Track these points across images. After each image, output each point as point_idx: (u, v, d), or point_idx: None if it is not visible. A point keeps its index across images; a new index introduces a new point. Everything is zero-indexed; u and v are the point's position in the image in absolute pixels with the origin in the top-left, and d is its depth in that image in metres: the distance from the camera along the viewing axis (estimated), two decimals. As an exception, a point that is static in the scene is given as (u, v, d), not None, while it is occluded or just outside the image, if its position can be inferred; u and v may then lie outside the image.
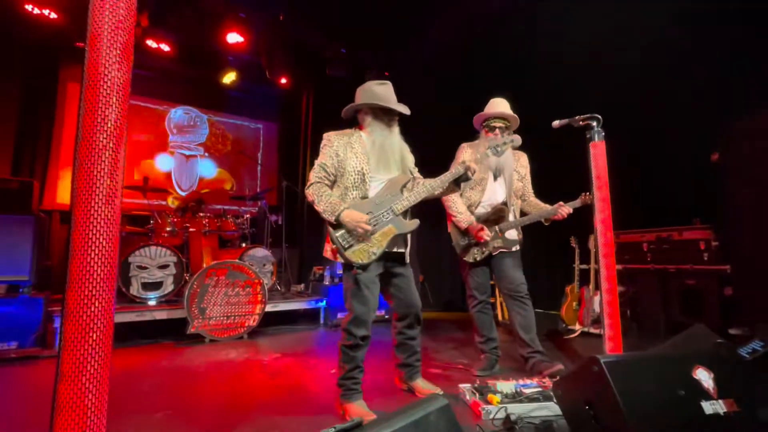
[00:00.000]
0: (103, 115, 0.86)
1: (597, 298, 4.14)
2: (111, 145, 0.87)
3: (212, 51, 5.84)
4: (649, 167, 4.43)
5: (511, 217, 2.76)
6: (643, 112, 4.26)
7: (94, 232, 0.84)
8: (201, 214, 4.50)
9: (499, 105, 2.77)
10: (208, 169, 6.41)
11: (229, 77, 6.14)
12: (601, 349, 3.48)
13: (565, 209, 2.62)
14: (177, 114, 6.22)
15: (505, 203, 2.77)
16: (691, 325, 3.62)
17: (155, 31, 5.34)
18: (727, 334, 3.37)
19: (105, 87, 0.89)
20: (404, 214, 2.12)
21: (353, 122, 2.38)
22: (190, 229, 4.41)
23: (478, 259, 2.78)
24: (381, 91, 2.18)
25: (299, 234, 6.05)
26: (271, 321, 4.24)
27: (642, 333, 4.03)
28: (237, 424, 1.92)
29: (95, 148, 0.86)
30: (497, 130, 2.71)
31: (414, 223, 2.12)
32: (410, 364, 2.32)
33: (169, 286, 3.96)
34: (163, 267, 3.96)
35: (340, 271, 4.81)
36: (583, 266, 4.30)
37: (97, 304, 0.85)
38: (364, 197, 2.11)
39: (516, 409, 1.85)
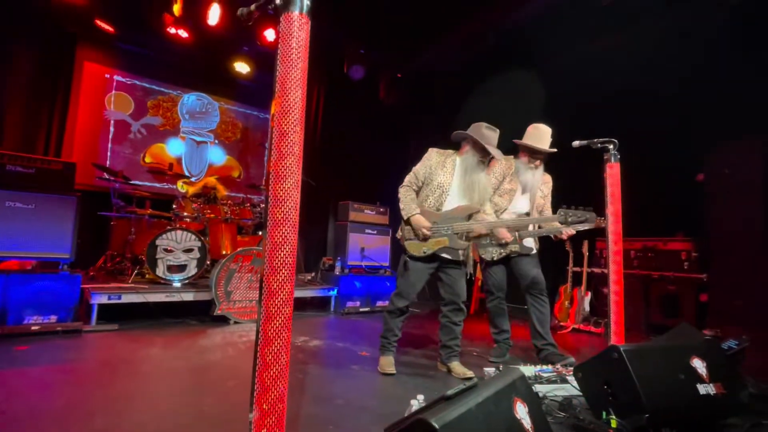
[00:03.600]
0: (291, 142, 1.12)
1: (587, 299, 4.57)
2: (295, 166, 1.13)
3: (228, 40, 5.95)
4: (639, 184, 4.87)
5: (531, 228, 3.09)
6: (634, 134, 4.67)
7: (286, 233, 1.11)
8: (222, 202, 4.68)
9: (546, 139, 3.02)
10: (217, 155, 6.52)
11: (243, 67, 6.26)
12: (592, 344, 3.91)
13: (568, 231, 2.87)
14: (190, 99, 6.29)
15: (528, 214, 3.10)
16: (669, 325, 4.10)
17: (177, 17, 5.41)
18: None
19: (292, 117, 1.14)
20: (460, 234, 2.57)
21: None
22: (210, 216, 4.58)
23: (495, 258, 3.11)
24: (488, 135, 2.58)
25: (306, 225, 6.27)
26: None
27: (625, 332, 4.47)
28: (310, 394, 2.19)
29: (284, 170, 1.12)
30: (538, 161, 3.04)
31: (464, 245, 2.60)
32: (449, 346, 2.68)
33: (192, 270, 4.14)
34: (188, 251, 4.13)
35: (350, 263, 5.09)
36: (576, 269, 4.71)
37: (289, 286, 1.12)
38: (438, 209, 2.61)
39: (540, 389, 2.19)
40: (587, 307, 4.54)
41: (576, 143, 2.82)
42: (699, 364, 1.97)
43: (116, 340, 3.09)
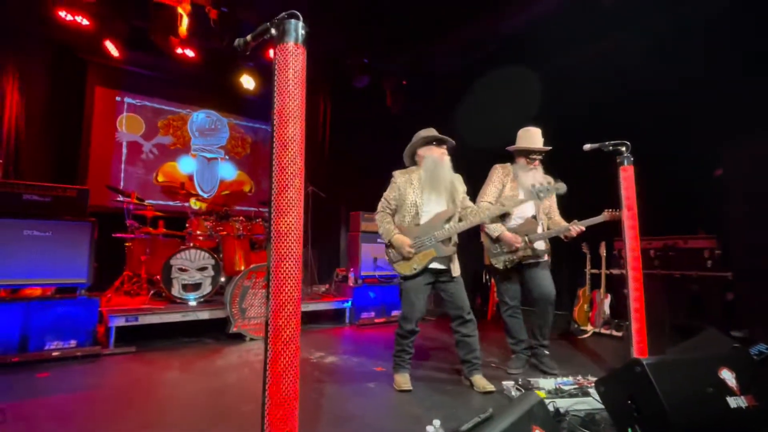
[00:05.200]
0: (292, 174, 1.10)
1: (607, 301, 4.45)
2: (296, 197, 1.11)
3: (234, 56, 6.02)
4: (655, 180, 4.75)
5: (539, 230, 3.03)
6: (647, 131, 4.57)
7: (290, 247, 1.10)
8: (234, 218, 4.71)
9: (538, 138, 3.04)
10: (228, 171, 6.59)
11: (250, 82, 6.32)
12: (614, 348, 3.81)
13: (576, 228, 2.86)
14: (199, 117, 6.39)
15: (534, 217, 3.04)
16: (694, 327, 3.96)
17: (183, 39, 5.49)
18: (728, 336, 3.70)
19: (291, 149, 1.12)
20: (445, 241, 2.58)
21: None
22: (222, 233, 4.61)
23: (508, 266, 3.06)
24: (426, 132, 2.74)
25: (319, 237, 6.27)
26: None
27: (648, 335, 4.34)
28: (328, 414, 2.17)
29: (286, 203, 1.10)
30: (536, 162, 3.02)
31: (451, 250, 2.61)
32: (468, 361, 2.65)
33: (207, 287, 4.17)
34: (202, 269, 4.17)
35: (363, 273, 5.07)
36: (594, 271, 4.60)
37: (294, 305, 1.10)
38: (417, 224, 2.64)
39: (562, 404, 2.13)
40: (607, 310, 4.42)
41: (587, 146, 2.76)
42: (728, 376, 1.88)
43: (134, 364, 3.12)
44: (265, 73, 6.39)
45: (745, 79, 3.80)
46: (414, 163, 2.84)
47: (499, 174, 3.10)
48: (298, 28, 1.18)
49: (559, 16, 4.58)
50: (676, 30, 4.28)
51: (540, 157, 3.03)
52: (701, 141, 4.19)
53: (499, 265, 3.08)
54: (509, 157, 3.19)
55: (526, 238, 2.99)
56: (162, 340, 3.78)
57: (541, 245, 3.05)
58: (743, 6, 3.78)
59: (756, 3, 3.66)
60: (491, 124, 4.74)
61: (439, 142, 2.70)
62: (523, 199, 2.77)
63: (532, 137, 3.04)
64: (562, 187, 2.66)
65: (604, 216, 2.90)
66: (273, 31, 1.22)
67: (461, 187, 2.77)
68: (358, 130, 6.87)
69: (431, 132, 2.73)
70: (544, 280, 3.02)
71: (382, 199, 2.76)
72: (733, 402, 1.81)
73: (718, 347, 2.42)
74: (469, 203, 2.77)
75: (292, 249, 1.10)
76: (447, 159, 2.68)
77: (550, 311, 3.04)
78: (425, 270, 2.60)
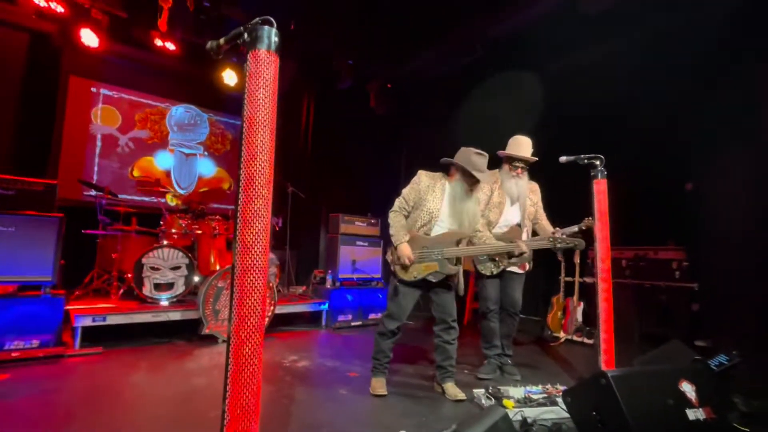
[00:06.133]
0: (260, 188, 1.08)
1: (580, 309, 4.55)
2: (264, 208, 1.09)
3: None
4: (629, 192, 4.86)
5: (524, 237, 3.06)
6: (622, 143, 4.67)
7: (255, 258, 1.07)
8: (210, 216, 4.62)
9: (525, 148, 3.08)
10: (207, 167, 6.46)
11: (232, 78, 6.20)
12: (585, 356, 3.88)
13: (557, 244, 2.87)
14: (178, 112, 6.24)
15: (519, 224, 3.09)
16: (662, 335, 4.08)
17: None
18: (692, 345, 3.82)
19: (260, 160, 1.10)
20: (450, 259, 2.57)
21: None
22: (198, 231, 4.52)
23: (494, 272, 3.10)
24: (476, 161, 2.52)
25: (297, 238, 6.21)
26: (275, 322, 4.42)
27: (618, 342, 4.45)
28: (295, 421, 2.14)
29: (252, 214, 1.08)
30: (519, 170, 3.07)
31: (455, 269, 2.59)
32: (443, 367, 2.65)
33: (180, 287, 4.08)
34: (176, 268, 4.08)
35: (341, 275, 5.04)
36: (568, 279, 4.69)
37: (257, 317, 1.08)
38: (427, 234, 2.60)
39: (529, 413, 2.16)
40: (580, 318, 4.51)
41: (563, 159, 2.81)
42: (688, 388, 1.94)
43: (99, 366, 3.03)
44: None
45: (715, 92, 3.93)
46: (446, 171, 2.75)
47: (488, 182, 3.11)
48: (271, 35, 1.16)
49: (543, 24, 4.65)
50: (651, 43, 4.40)
51: (523, 165, 3.08)
52: (673, 154, 4.31)
53: (486, 272, 3.12)
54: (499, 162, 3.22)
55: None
56: (131, 340, 3.68)
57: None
58: (715, 20, 3.89)
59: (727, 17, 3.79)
60: (477, 128, 4.77)
61: (473, 179, 2.55)
62: (539, 242, 2.89)
63: (518, 145, 3.09)
64: (581, 244, 2.74)
65: (584, 224, 2.93)
66: (246, 36, 1.20)
67: (480, 217, 2.82)
68: (342, 131, 6.83)
69: (477, 163, 2.52)
70: (515, 291, 3.14)
71: (400, 198, 2.68)
72: (692, 414, 1.87)
73: (681, 359, 2.50)
74: (481, 229, 2.80)
75: (257, 261, 1.08)
76: (475, 194, 2.67)
77: (516, 320, 3.20)
78: (423, 280, 2.60)
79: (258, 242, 1.08)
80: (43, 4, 4.85)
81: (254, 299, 1.08)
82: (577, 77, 4.85)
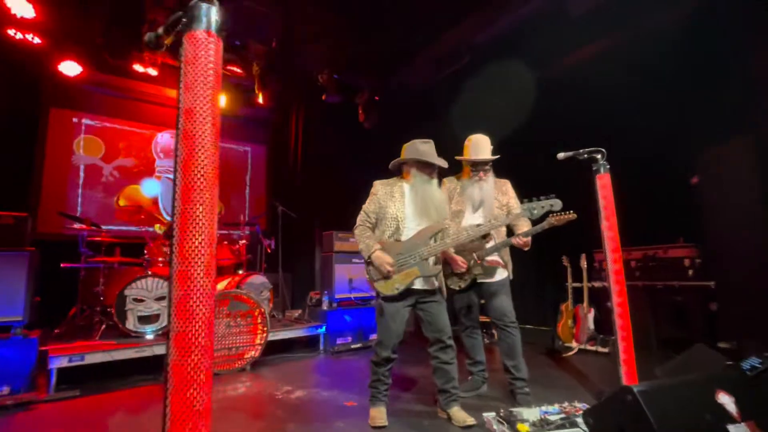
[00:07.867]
0: (200, 190, 0.88)
1: (591, 316, 4.29)
2: (206, 217, 0.89)
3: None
4: (632, 189, 4.68)
5: (491, 243, 2.79)
6: (623, 140, 4.52)
7: (196, 286, 0.86)
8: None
9: (484, 150, 2.85)
10: (195, 193, 6.29)
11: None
12: (602, 366, 3.62)
13: (517, 240, 2.67)
14: (164, 138, 6.11)
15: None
16: (681, 339, 3.82)
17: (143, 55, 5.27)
18: (716, 349, 3.56)
19: (199, 160, 0.91)
20: (430, 258, 2.39)
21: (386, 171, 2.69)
22: (185, 258, 4.30)
23: (462, 286, 2.86)
24: (424, 149, 2.48)
25: (291, 258, 5.99)
26: (269, 349, 4.17)
27: (635, 350, 4.19)
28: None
29: (193, 219, 0.88)
30: (482, 173, 2.84)
31: (436, 269, 2.43)
32: (446, 391, 2.41)
33: (166, 319, 3.83)
34: (161, 299, 3.85)
35: (338, 296, 4.80)
36: (576, 284, 4.45)
37: (200, 353, 0.87)
38: (398, 240, 2.44)
39: (547, 438, 1.91)
40: (592, 325, 4.26)
41: (561, 155, 2.62)
42: (727, 400, 1.71)
43: (74, 413, 2.76)
44: (235, 90, 6.19)
45: (722, 85, 3.78)
46: (399, 173, 2.65)
47: (446, 188, 2.94)
48: (210, 13, 0.98)
49: (532, 25, 4.55)
50: (651, 38, 4.27)
51: (485, 167, 2.85)
52: (677, 148, 4.14)
53: (454, 286, 2.88)
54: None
55: (474, 256, 2.77)
56: (113, 380, 3.41)
57: (494, 257, 2.82)
58: (717, 13, 3.78)
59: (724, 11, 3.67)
60: (465, 136, 4.64)
61: (429, 167, 2.48)
62: (497, 223, 2.57)
63: (476, 147, 2.86)
64: (557, 204, 2.48)
65: (549, 222, 2.63)
66: (184, 19, 1.02)
67: (446, 206, 2.62)
68: (332, 147, 6.69)
69: (426, 150, 2.47)
70: (501, 301, 2.81)
71: (362, 212, 2.56)
72: (734, 430, 1.63)
73: (710, 365, 2.26)
74: (449, 223, 2.61)
75: (198, 281, 0.88)
76: (435, 181, 2.51)
77: (512, 333, 2.79)
78: (408, 290, 2.39)
79: (198, 260, 0.88)
80: (18, 36, 4.77)
81: (197, 328, 0.87)
82: (572, 77, 4.72)
